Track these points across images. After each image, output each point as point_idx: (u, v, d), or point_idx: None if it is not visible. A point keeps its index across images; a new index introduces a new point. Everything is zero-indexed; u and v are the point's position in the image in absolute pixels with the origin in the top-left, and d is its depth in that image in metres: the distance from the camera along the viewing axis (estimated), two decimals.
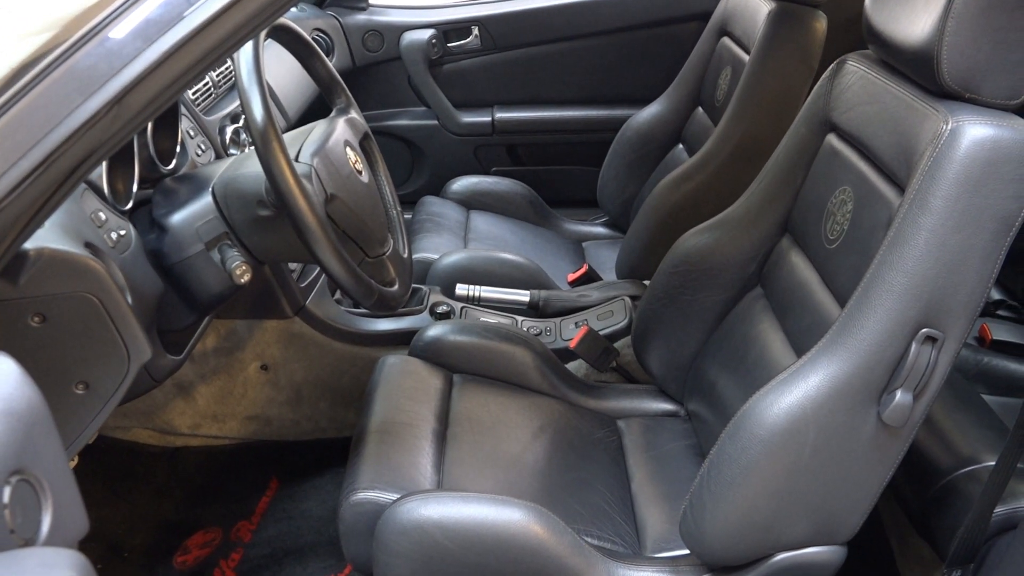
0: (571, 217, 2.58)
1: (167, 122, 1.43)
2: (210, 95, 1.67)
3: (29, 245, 0.94)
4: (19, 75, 0.80)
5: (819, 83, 1.39)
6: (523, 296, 1.90)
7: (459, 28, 2.53)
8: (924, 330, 1.04)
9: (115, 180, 1.27)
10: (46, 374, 1.00)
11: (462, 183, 2.48)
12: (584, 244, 2.49)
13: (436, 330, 1.64)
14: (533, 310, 1.90)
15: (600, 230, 2.52)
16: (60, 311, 0.98)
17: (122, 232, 1.17)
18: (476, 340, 1.63)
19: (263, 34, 1.18)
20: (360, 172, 1.31)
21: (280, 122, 1.91)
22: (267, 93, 1.12)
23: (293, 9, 2.42)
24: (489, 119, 2.59)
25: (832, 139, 1.35)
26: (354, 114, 1.46)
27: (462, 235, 2.28)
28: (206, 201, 1.25)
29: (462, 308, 1.88)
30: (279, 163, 1.09)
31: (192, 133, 1.51)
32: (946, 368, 1.07)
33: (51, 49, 0.81)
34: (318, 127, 1.31)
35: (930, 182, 1.02)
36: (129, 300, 1.10)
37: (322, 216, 1.13)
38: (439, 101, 2.57)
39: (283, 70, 2.09)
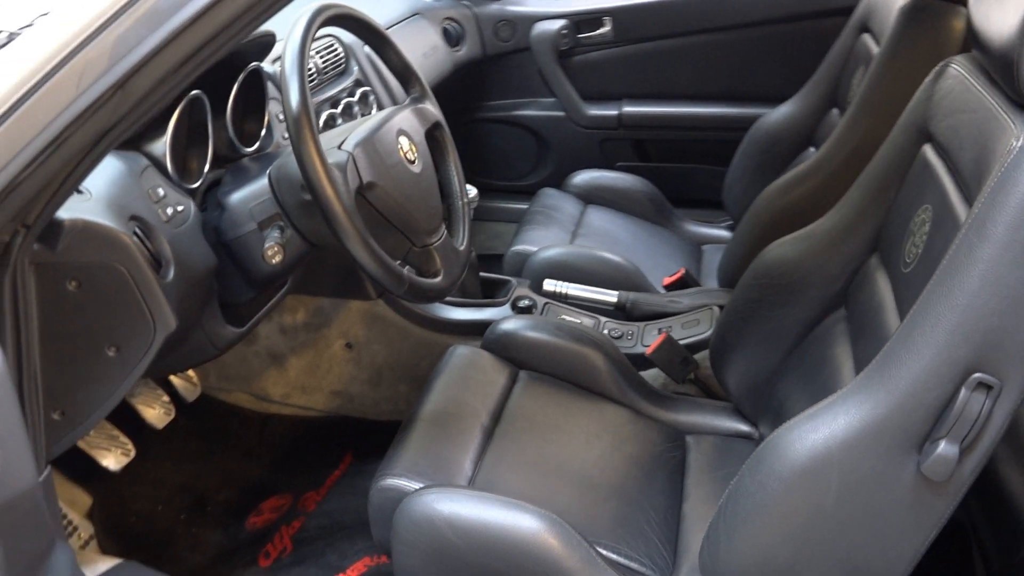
0: (694, 218, 2.48)
1: (255, 104, 1.50)
2: (312, 80, 1.72)
3: (65, 215, 1.01)
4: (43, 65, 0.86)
5: (921, 88, 1.25)
6: (611, 296, 1.84)
7: (591, 19, 2.48)
8: (976, 375, 0.90)
9: (189, 159, 1.35)
10: (83, 335, 1.08)
11: (583, 177, 2.44)
12: (704, 247, 2.38)
13: (509, 324, 1.62)
14: (620, 311, 1.84)
15: (723, 233, 2.40)
16: (93, 278, 1.05)
17: (179, 208, 1.24)
18: (547, 338, 1.60)
19: (314, 20, 1.20)
20: (412, 161, 1.31)
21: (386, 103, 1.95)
22: (306, 81, 1.14)
23: (450, 2, 2.47)
24: (616, 113, 2.53)
25: (927, 150, 1.21)
26: (427, 104, 1.47)
27: (571, 230, 2.25)
28: (262, 183, 1.30)
29: (545, 304, 1.85)
30: (308, 150, 1.11)
31: (282, 116, 1.56)
32: (1004, 420, 0.92)
33: (68, 41, 0.85)
34: (377, 116, 1.32)
35: (992, 206, 0.89)
36: (171, 273, 1.16)
37: (348, 203, 1.13)
38: (566, 93, 2.54)
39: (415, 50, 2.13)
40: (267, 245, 1.19)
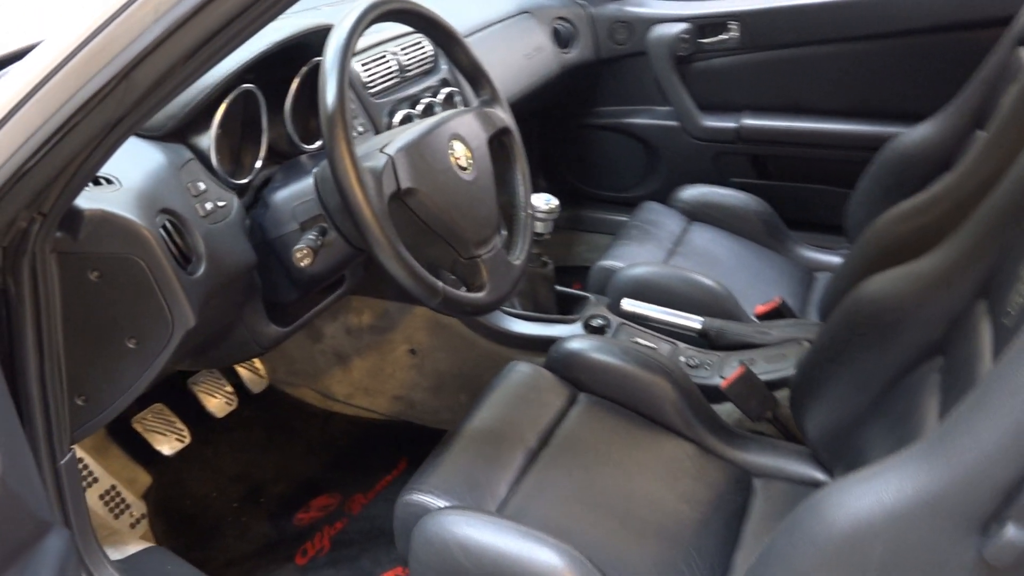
0: (811, 243, 2.26)
1: (310, 102, 1.46)
2: (393, 77, 1.67)
3: (87, 205, 1.00)
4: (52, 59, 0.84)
5: None
6: (694, 322, 1.69)
7: (715, 23, 2.32)
8: None
9: (244, 153, 1.32)
10: (104, 324, 1.07)
11: (691, 191, 2.28)
12: (817, 275, 2.17)
13: (574, 344, 1.51)
14: (703, 339, 1.69)
15: (839, 260, 2.18)
16: (114, 269, 1.03)
17: (220, 203, 1.21)
18: (612, 361, 1.48)
19: (365, 16, 1.13)
20: (465, 168, 1.23)
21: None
22: (346, 81, 1.08)
23: (564, 1, 2.38)
24: (734, 125, 2.35)
25: None
26: (496, 109, 1.38)
27: (669, 248, 2.09)
28: (308, 183, 1.25)
29: (620, 325, 1.72)
30: (340, 152, 1.05)
31: (353, 112, 1.52)
32: None
33: (77, 34, 0.83)
34: (432, 119, 1.25)
35: None
36: (201, 269, 1.13)
37: (379, 209, 1.06)
38: (682, 101, 2.38)
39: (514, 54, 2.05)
40: (296, 247, 1.13)
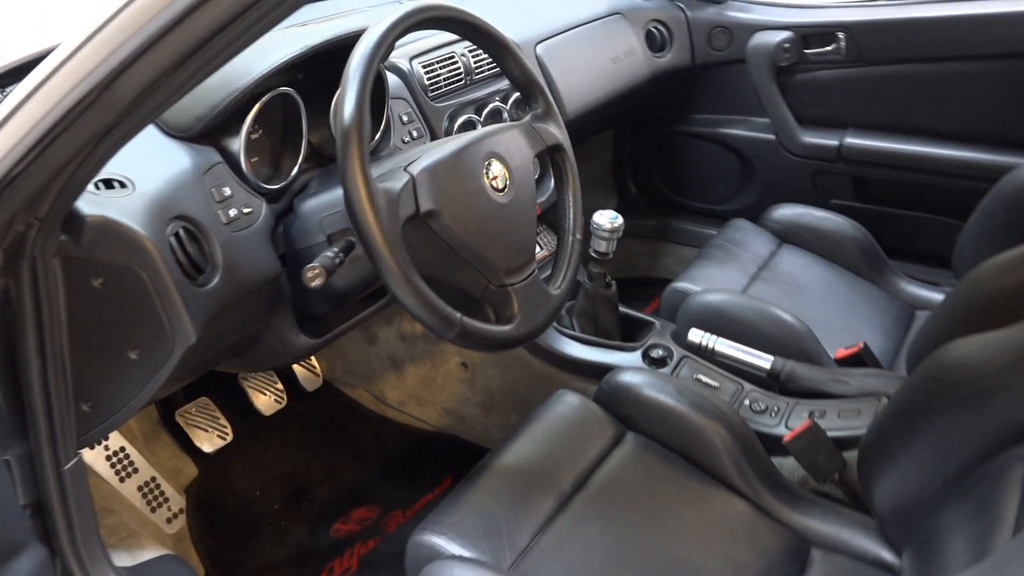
0: (914, 275, 2.07)
1: (375, 104, 1.40)
2: (458, 80, 1.60)
3: (90, 210, 0.97)
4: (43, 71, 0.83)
5: None
6: (764, 361, 1.56)
7: (822, 33, 2.14)
8: None
9: (284, 157, 1.27)
10: (107, 333, 1.03)
11: (785, 211, 2.12)
12: (918, 313, 1.98)
13: (627, 376, 1.42)
14: (772, 380, 1.55)
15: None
16: (116, 278, 1.00)
17: (246, 210, 1.16)
18: (664, 400, 1.37)
19: (400, 23, 1.06)
20: (500, 190, 1.14)
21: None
22: (367, 92, 1.01)
23: (660, 3, 2.26)
24: (836, 143, 2.17)
25: None
26: (549, 124, 1.29)
27: (752, 272, 1.95)
28: (338, 193, 1.19)
29: (682, 358, 1.60)
30: (352, 169, 0.98)
31: (408, 118, 1.46)
32: None
33: (68, 47, 0.81)
34: (469, 134, 1.17)
35: None
36: (216, 279, 1.08)
37: (390, 232, 0.99)
38: (780, 113, 2.22)
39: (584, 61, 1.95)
40: (309, 265, 1.05)
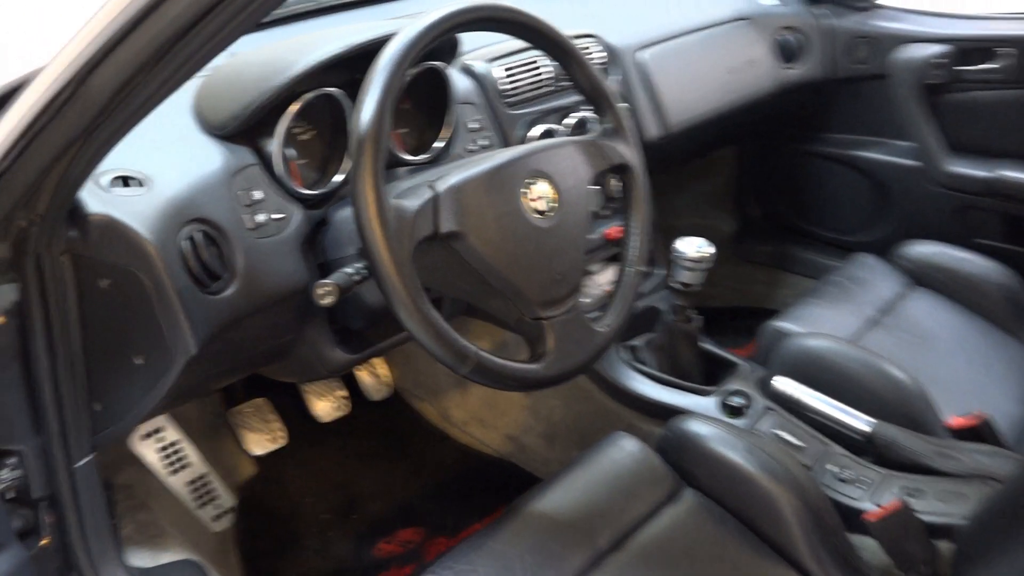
0: None
1: (430, 109, 1.31)
2: (542, 86, 1.48)
3: (97, 209, 0.94)
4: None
5: None
6: (860, 423, 1.35)
7: (980, 48, 1.87)
8: None
9: (331, 163, 1.20)
10: (114, 334, 1.01)
11: (919, 248, 1.87)
12: None
13: (692, 425, 1.26)
14: (868, 445, 1.34)
15: None
16: (121, 280, 0.97)
17: (277, 216, 1.09)
18: (731, 457, 1.21)
19: (439, 25, 0.96)
20: (541, 212, 1.02)
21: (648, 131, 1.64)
22: (390, 99, 0.91)
23: (770, 2, 2.06)
24: (987, 174, 1.89)
25: None
26: (617, 142, 1.15)
27: (870, 315, 1.72)
28: None
29: (765, 409, 1.42)
30: (363, 182, 0.88)
31: (477, 124, 1.35)
32: None
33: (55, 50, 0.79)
34: (514, 149, 1.04)
35: None
36: (232, 288, 1.03)
37: (399, 252, 0.89)
38: (925, 138, 1.96)
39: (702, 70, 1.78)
40: (320, 281, 0.96)
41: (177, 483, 1.56)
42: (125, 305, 0.97)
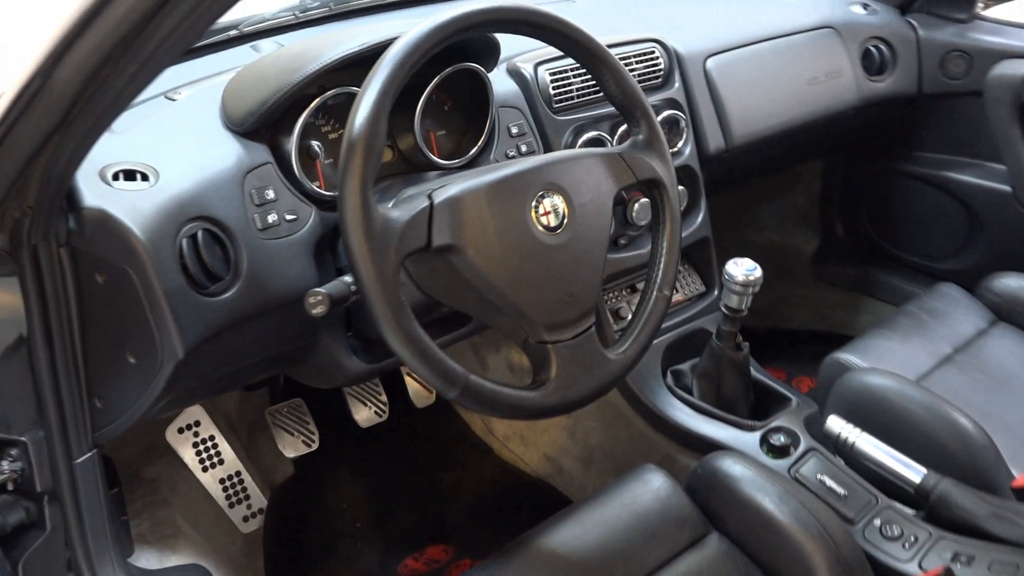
0: None
1: (471, 111, 1.26)
2: (594, 91, 1.41)
3: (92, 202, 0.93)
4: None
5: None
6: (913, 473, 1.23)
7: None
8: None
9: None
10: (110, 331, 1.00)
11: (1009, 281, 1.71)
12: None
13: (724, 464, 1.18)
14: (921, 499, 1.23)
15: None
16: (115, 276, 0.96)
17: (290, 217, 1.06)
18: (762, 503, 1.12)
19: (448, 26, 0.91)
20: (551, 228, 0.95)
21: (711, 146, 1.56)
22: (387, 101, 0.86)
23: (858, 11, 1.93)
24: None
25: None
26: (648, 155, 1.07)
27: (945, 353, 1.58)
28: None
29: (809, 449, 1.32)
30: (349, 187, 0.84)
31: (518, 130, 1.30)
32: None
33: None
34: (522, 162, 0.98)
35: None
36: (234, 290, 1.00)
37: (383, 264, 0.84)
38: (1020, 162, 1.80)
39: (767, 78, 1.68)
40: (313, 289, 0.92)
41: (210, 480, 1.56)
42: (119, 302, 0.96)
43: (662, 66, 1.51)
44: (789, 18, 1.81)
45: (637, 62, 1.48)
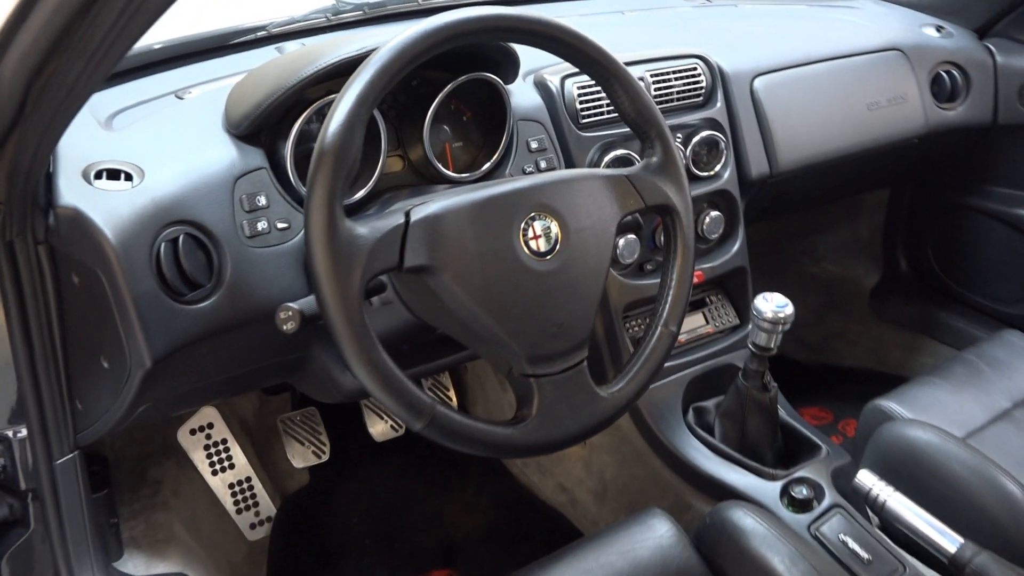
0: None
1: (490, 124, 1.20)
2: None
3: (68, 201, 0.91)
4: None
5: None
6: (948, 542, 1.12)
7: None
8: None
9: (361, 175, 1.12)
10: (85, 333, 0.98)
11: None
12: None
13: (735, 516, 1.10)
14: (956, 572, 1.11)
15: None
16: (87, 278, 0.93)
17: (281, 225, 1.02)
18: (770, 563, 1.04)
19: (427, 33, 0.85)
20: (540, 254, 0.89)
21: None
22: (363, 110, 0.81)
23: (931, 33, 1.80)
24: None
25: None
26: (660, 178, 1.00)
27: (1003, 407, 1.45)
28: (386, 220, 1.00)
29: (834, 505, 1.21)
30: (315, 199, 0.79)
31: (538, 144, 1.24)
32: None
33: None
34: (513, 182, 0.92)
35: None
36: (214, 298, 0.96)
37: (346, 285, 0.79)
38: None
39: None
40: (284, 304, 0.86)
41: (219, 484, 1.54)
42: (93, 305, 0.93)
43: (704, 84, 1.43)
44: (852, 39, 1.70)
45: (676, 78, 1.40)
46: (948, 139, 1.79)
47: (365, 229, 0.82)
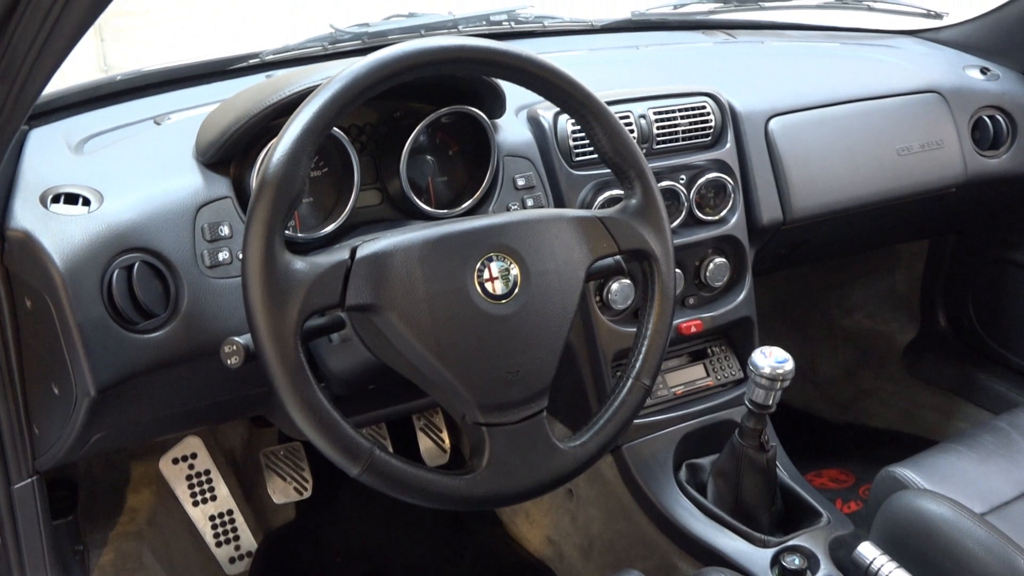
0: None
1: (476, 160, 1.16)
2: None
3: (20, 224, 0.90)
4: None
5: None
6: None
7: None
8: None
9: (335, 209, 1.08)
10: (37, 360, 0.95)
11: None
12: None
13: None
14: None
15: None
16: (37, 302, 0.91)
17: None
18: None
19: (380, 66, 0.81)
20: (496, 296, 0.83)
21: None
22: (309, 141, 0.77)
23: (975, 75, 1.70)
24: None
25: None
26: (638, 222, 0.93)
27: None
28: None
29: None
30: (252, 232, 0.76)
31: (525, 182, 1.18)
32: None
33: None
34: (472, 221, 0.87)
35: None
36: (168, 328, 0.93)
37: (280, 322, 0.75)
38: None
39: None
40: (228, 338, 0.82)
41: (199, 515, 1.51)
42: (42, 330, 0.92)
43: (712, 123, 1.36)
44: (886, 79, 1.61)
45: (682, 116, 1.33)
46: (991, 189, 1.68)
47: (305, 264, 0.78)
